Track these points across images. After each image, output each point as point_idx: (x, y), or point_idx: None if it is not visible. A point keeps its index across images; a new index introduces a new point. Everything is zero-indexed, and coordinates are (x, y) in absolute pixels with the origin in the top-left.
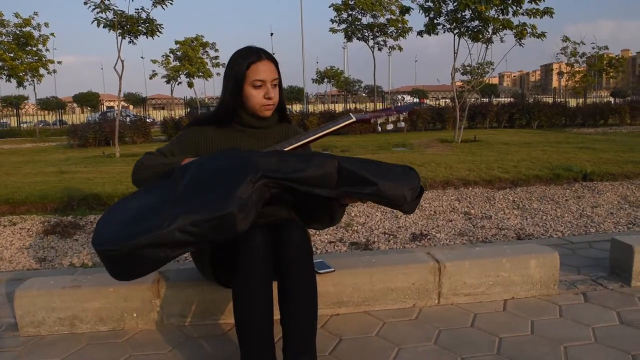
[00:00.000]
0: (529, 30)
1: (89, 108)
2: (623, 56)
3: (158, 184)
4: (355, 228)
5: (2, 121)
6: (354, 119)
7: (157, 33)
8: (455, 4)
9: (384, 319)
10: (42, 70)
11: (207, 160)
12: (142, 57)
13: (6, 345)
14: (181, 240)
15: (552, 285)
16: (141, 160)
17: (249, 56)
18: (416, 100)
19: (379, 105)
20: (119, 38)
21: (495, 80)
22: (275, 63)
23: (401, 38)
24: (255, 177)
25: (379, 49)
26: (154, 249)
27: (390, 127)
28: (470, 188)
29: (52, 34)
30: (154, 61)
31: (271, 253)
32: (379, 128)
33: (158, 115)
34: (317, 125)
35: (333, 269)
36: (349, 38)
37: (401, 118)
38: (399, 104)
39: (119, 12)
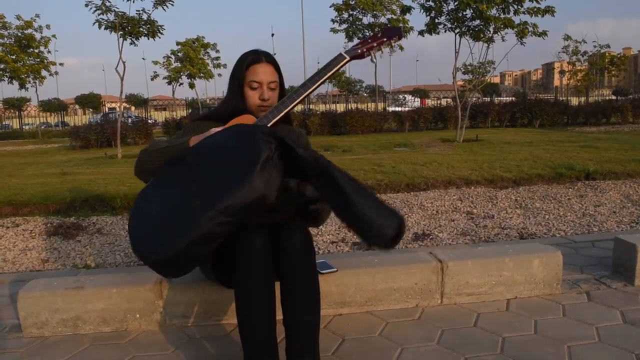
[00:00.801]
0: (530, 29)
1: (91, 109)
2: (625, 54)
3: (172, 172)
4: None
5: (4, 123)
6: (347, 58)
7: (158, 34)
8: (456, 3)
9: (386, 319)
10: (43, 72)
11: (218, 141)
12: (143, 59)
13: (10, 346)
14: (220, 232)
15: (555, 285)
16: (144, 148)
17: (250, 58)
18: (418, 99)
19: (380, 107)
20: (120, 39)
21: (497, 80)
22: (275, 66)
23: (402, 38)
24: (272, 153)
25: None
26: (196, 247)
27: (380, 53)
28: (473, 187)
29: (53, 36)
30: (155, 62)
31: (271, 253)
32: (372, 54)
33: (160, 117)
34: (319, 126)
35: (335, 269)
36: (350, 38)
37: (393, 43)
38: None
39: (120, 13)
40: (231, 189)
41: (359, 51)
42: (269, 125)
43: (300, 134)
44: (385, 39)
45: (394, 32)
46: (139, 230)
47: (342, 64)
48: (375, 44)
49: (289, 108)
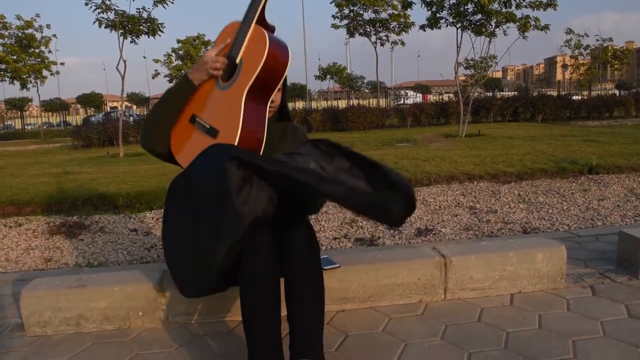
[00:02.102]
0: (532, 22)
1: (92, 109)
2: (628, 48)
3: (177, 207)
4: (360, 224)
5: (7, 124)
6: None
7: (159, 32)
8: None
9: (390, 314)
10: (45, 72)
11: (197, 172)
12: (144, 57)
13: (13, 346)
14: (230, 261)
15: (559, 279)
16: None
17: None
18: (419, 95)
19: (382, 103)
20: (121, 38)
21: (499, 74)
22: None
23: (403, 33)
24: (246, 174)
25: (382, 44)
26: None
27: None
28: (475, 182)
29: (54, 36)
30: (156, 61)
31: (276, 250)
32: None
33: None
34: (320, 122)
35: (338, 265)
36: (351, 34)
37: None
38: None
39: (120, 12)
40: (223, 228)
41: None
42: (244, 42)
43: (297, 130)
44: None
45: None
46: (173, 270)
47: None
48: None
49: (250, 28)
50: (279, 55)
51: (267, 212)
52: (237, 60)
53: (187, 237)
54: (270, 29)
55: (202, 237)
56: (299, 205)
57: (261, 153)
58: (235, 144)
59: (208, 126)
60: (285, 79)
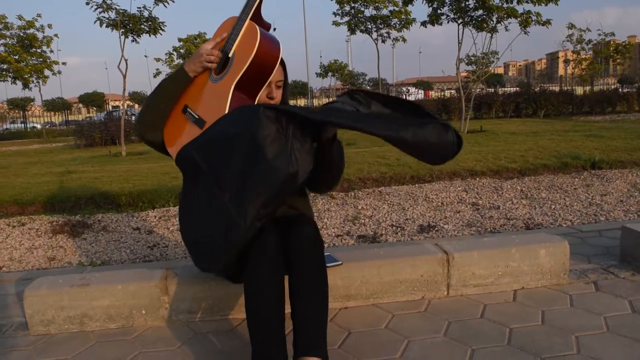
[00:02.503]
0: (534, 18)
1: (94, 108)
2: (630, 42)
3: (192, 178)
4: (363, 221)
5: (10, 123)
6: None
7: (160, 31)
8: None
9: (392, 311)
10: (46, 72)
11: (221, 132)
12: (145, 56)
13: (17, 345)
14: (258, 226)
15: (562, 275)
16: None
17: None
18: (421, 92)
19: None
20: (122, 37)
21: (501, 70)
22: (283, 65)
23: (405, 29)
24: (282, 128)
25: (383, 41)
26: (241, 247)
27: None
28: (478, 178)
29: (55, 35)
30: (158, 59)
31: (281, 247)
32: None
33: None
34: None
35: (341, 262)
36: (352, 31)
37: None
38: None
39: (121, 11)
40: (257, 178)
41: None
42: (239, 34)
43: None
44: None
45: None
46: (190, 243)
47: None
48: None
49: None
50: (269, 50)
51: (304, 168)
52: (230, 54)
53: (206, 206)
54: (265, 26)
55: (227, 202)
56: (315, 183)
57: None
58: None
59: (197, 117)
60: (286, 77)
